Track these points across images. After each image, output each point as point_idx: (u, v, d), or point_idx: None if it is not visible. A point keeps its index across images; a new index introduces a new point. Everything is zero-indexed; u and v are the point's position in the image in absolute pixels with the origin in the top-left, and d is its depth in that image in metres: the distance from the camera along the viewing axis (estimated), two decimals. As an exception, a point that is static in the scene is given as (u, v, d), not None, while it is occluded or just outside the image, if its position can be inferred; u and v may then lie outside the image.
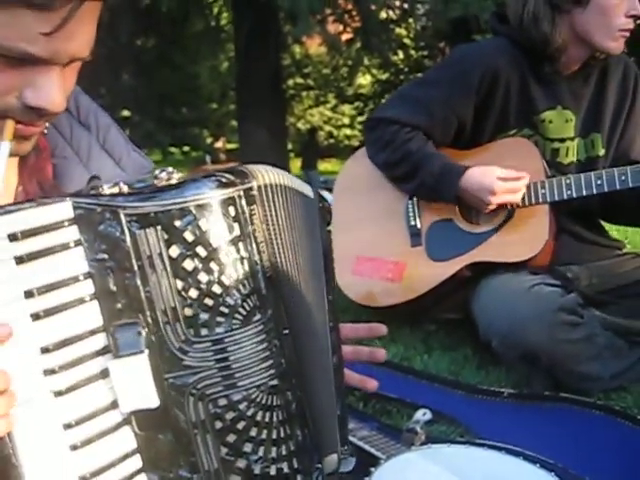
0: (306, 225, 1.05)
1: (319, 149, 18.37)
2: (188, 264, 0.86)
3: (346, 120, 24.05)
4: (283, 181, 1.00)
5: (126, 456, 0.87)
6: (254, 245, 0.91)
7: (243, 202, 0.91)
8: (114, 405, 0.86)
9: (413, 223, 2.71)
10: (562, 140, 2.57)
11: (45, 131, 1.12)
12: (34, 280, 0.83)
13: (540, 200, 2.45)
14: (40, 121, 1.00)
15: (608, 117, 2.61)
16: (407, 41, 18.92)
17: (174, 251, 0.86)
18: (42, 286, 0.83)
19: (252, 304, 0.90)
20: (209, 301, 0.87)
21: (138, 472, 0.87)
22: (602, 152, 2.61)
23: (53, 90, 0.95)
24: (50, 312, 0.83)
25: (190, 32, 15.44)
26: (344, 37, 16.68)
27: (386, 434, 1.69)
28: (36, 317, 0.83)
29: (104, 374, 0.86)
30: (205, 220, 0.87)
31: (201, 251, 0.87)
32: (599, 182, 2.37)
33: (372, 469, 1.25)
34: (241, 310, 0.89)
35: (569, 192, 2.41)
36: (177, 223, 0.86)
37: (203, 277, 0.87)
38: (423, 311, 2.68)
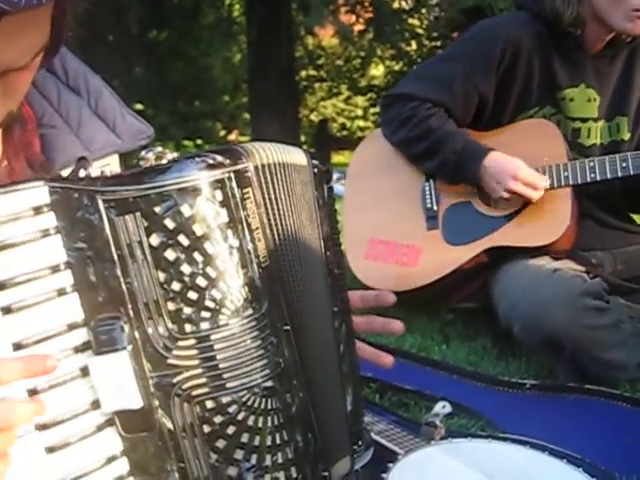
0: (306, 205, 0.96)
1: (332, 141, 18.35)
2: (170, 254, 0.79)
3: (359, 112, 24.04)
4: (282, 158, 0.91)
5: (111, 459, 0.80)
6: (246, 232, 0.83)
7: (234, 184, 0.82)
8: (95, 405, 0.79)
9: (429, 205, 2.64)
10: (584, 120, 2.50)
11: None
12: (4, 271, 0.76)
13: (562, 183, 2.39)
14: None
15: (635, 100, 2.54)
16: (420, 31, 18.85)
17: (154, 240, 0.79)
18: (14, 276, 0.76)
19: (243, 298, 0.82)
20: (193, 294, 0.80)
21: (126, 476, 0.81)
22: (627, 136, 2.54)
23: None
24: (24, 305, 0.76)
25: (202, 24, 15.45)
26: (357, 28, 16.69)
27: (404, 428, 1.63)
28: (7, 311, 0.76)
29: (84, 372, 0.79)
30: (187, 205, 0.79)
31: (183, 240, 0.79)
32: (624, 165, 2.31)
33: (390, 464, 1.19)
34: (229, 305, 0.81)
35: (593, 175, 2.35)
36: (157, 209, 0.78)
37: (186, 268, 0.79)
38: (439, 297, 2.61)
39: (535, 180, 2.36)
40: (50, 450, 0.77)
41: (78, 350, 0.79)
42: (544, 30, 2.45)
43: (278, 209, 0.88)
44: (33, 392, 0.77)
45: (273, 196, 0.88)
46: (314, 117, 23.20)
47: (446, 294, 2.59)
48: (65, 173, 1.05)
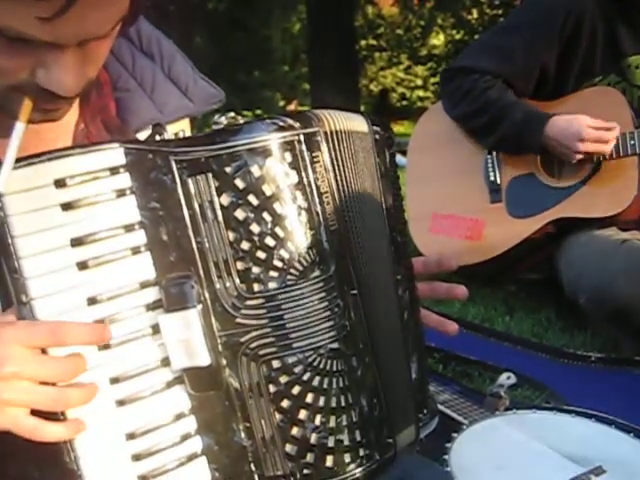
0: (369, 172, 0.95)
1: (392, 111, 18.20)
2: (239, 214, 0.79)
3: (419, 81, 23.80)
4: (348, 125, 0.90)
5: (180, 416, 0.81)
6: (315, 195, 0.83)
7: (303, 147, 0.82)
8: (165, 362, 0.80)
9: (492, 178, 2.61)
10: None
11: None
12: (81, 227, 0.77)
13: (629, 152, 2.35)
14: (59, 103, 0.93)
15: None
16: (482, -1, 18.55)
17: (225, 199, 0.79)
18: (91, 233, 0.77)
19: (310, 259, 0.82)
20: (261, 254, 0.80)
21: (193, 434, 0.82)
22: None
23: (63, 73, 0.87)
24: (99, 262, 0.77)
25: (262, -6, 15.43)
26: (417, -4, 16.50)
27: (468, 398, 1.63)
28: (83, 266, 0.77)
29: (155, 329, 0.80)
30: (257, 166, 0.79)
31: (253, 199, 0.79)
32: None
33: (454, 434, 1.19)
34: (297, 265, 0.81)
35: None
36: (227, 169, 0.79)
37: (255, 228, 0.80)
38: (504, 270, 2.59)
39: (602, 135, 2.32)
40: (120, 403, 0.79)
41: (149, 308, 0.80)
42: None
43: (345, 175, 0.88)
44: (105, 346, 0.78)
45: (341, 162, 0.87)
46: (374, 87, 23.05)
47: (511, 266, 2.56)
48: (140, 135, 1.06)
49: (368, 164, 0.94)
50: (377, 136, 0.97)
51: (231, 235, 0.79)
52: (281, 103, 20.04)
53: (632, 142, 2.32)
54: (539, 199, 2.48)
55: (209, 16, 15.20)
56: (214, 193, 0.79)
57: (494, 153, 2.63)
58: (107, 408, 0.79)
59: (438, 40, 21.76)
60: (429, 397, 1.06)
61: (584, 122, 2.32)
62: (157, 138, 0.83)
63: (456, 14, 17.13)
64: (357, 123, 0.94)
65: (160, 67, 1.16)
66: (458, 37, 19.52)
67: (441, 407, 1.56)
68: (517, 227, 2.51)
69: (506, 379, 1.57)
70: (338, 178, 0.86)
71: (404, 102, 23.22)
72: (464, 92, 2.58)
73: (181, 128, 0.95)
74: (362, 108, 18.05)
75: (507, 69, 2.50)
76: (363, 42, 20.96)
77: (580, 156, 2.35)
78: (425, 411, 1.03)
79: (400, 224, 1.02)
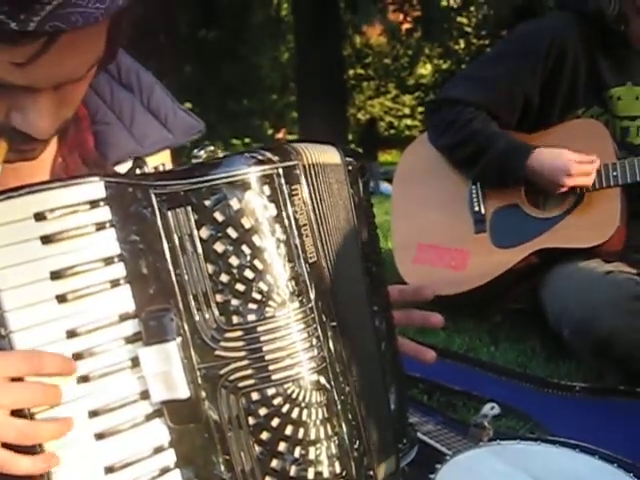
0: (343, 204, 0.96)
1: (379, 140, 18.27)
2: (219, 246, 0.80)
3: (407, 110, 23.96)
4: (323, 158, 0.91)
5: (159, 449, 0.81)
6: (294, 227, 0.84)
7: (282, 180, 0.83)
8: (144, 395, 0.81)
9: (477, 209, 2.62)
10: (632, 118, 2.46)
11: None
12: (61, 260, 0.78)
13: (611, 183, 2.36)
14: (34, 144, 0.93)
15: None
16: (468, 30, 18.72)
17: (204, 232, 0.80)
18: (70, 266, 0.78)
19: (289, 291, 0.82)
20: (240, 286, 0.81)
21: (172, 467, 0.82)
22: None
23: (38, 117, 0.89)
24: (78, 295, 0.78)
25: (251, 23, 15.51)
26: (404, 26, 16.64)
27: (452, 429, 1.61)
28: (62, 299, 0.78)
29: (134, 362, 0.80)
30: (236, 199, 0.80)
31: (232, 232, 0.80)
32: None
33: (438, 465, 1.18)
34: (275, 297, 0.82)
35: None
36: (207, 202, 0.80)
37: (234, 260, 0.80)
38: (488, 301, 2.58)
39: (587, 168, 2.33)
40: (99, 437, 0.79)
41: (129, 340, 0.80)
42: (588, 29, 2.42)
43: (322, 208, 0.89)
44: (84, 379, 0.79)
45: (318, 195, 0.88)
46: (361, 116, 23.17)
47: (495, 296, 2.56)
48: (119, 168, 1.07)
49: (342, 196, 0.95)
50: (350, 167, 0.98)
51: (210, 268, 0.80)
52: (270, 131, 20.11)
53: (614, 173, 2.34)
54: (523, 229, 2.49)
55: (198, 45, 15.25)
56: (193, 226, 0.79)
57: (478, 184, 2.63)
58: (86, 441, 0.79)
59: (425, 70, 21.94)
60: (408, 426, 1.07)
61: (570, 157, 2.33)
62: (137, 172, 0.83)
63: (443, 44, 17.28)
64: (330, 155, 0.94)
65: (139, 99, 1.17)
66: (445, 67, 19.67)
67: (424, 438, 1.55)
68: (501, 257, 2.51)
69: (490, 409, 1.56)
70: (316, 211, 0.87)
71: (392, 131, 23.35)
72: (448, 123, 2.59)
73: (162, 160, 0.96)
74: (350, 137, 18.11)
75: (491, 100, 2.52)
76: (351, 71, 21.12)
77: (564, 189, 2.36)
78: (405, 440, 1.03)
79: (375, 254, 1.03)
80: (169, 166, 1.12)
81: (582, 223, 2.39)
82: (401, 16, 15.97)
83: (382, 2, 14.55)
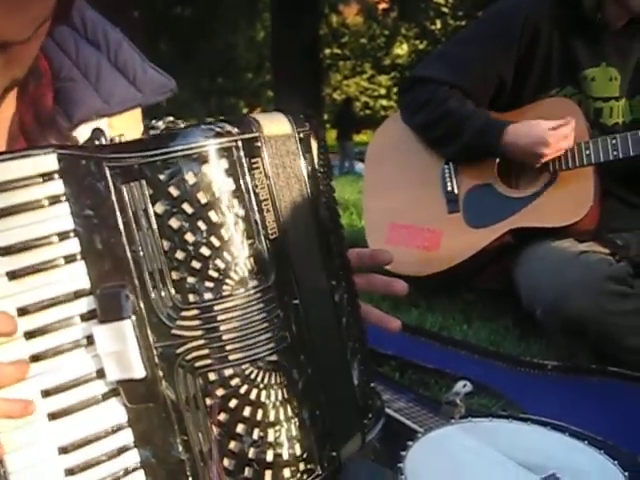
0: (297, 176, 0.91)
1: (355, 120, 18.28)
2: (174, 222, 0.77)
3: (383, 91, 23.96)
4: (278, 130, 0.88)
5: (116, 429, 0.79)
6: (254, 202, 0.81)
7: (241, 153, 0.80)
8: (100, 374, 0.79)
9: (450, 189, 2.62)
10: (606, 100, 2.47)
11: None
12: (11, 236, 0.75)
13: (585, 162, 2.36)
14: None
15: None
16: (445, 10, 18.71)
17: (159, 207, 0.77)
18: (21, 241, 0.75)
19: (248, 269, 0.80)
20: (196, 264, 0.78)
21: (130, 447, 0.80)
22: None
23: None
24: (29, 271, 0.76)
25: (226, 1, 15.43)
26: (381, 6, 16.62)
27: (424, 406, 1.62)
28: (12, 276, 0.75)
29: (89, 340, 0.78)
30: (192, 173, 0.77)
31: (187, 208, 0.77)
32: None
33: (409, 442, 1.18)
34: (233, 275, 0.79)
35: (615, 153, 2.32)
36: (161, 176, 0.76)
37: (190, 237, 0.77)
38: (461, 281, 2.59)
39: (564, 131, 2.34)
40: (53, 416, 0.77)
41: (84, 318, 0.78)
42: (563, 9, 2.42)
43: (279, 181, 0.86)
44: (37, 358, 0.77)
45: (275, 168, 0.85)
46: (337, 95, 23.16)
47: (468, 276, 2.57)
48: (84, 127, 1.03)
49: (295, 167, 0.91)
50: (302, 135, 0.93)
51: (166, 244, 0.77)
52: (245, 110, 20.05)
53: (587, 152, 2.34)
54: (496, 209, 2.49)
55: (174, 22, 15.15)
56: (148, 201, 0.77)
57: (451, 163, 2.63)
58: (39, 421, 0.77)
59: (402, 50, 21.93)
60: (373, 398, 1.03)
61: (544, 126, 2.34)
62: (96, 143, 0.80)
63: (420, 24, 17.28)
64: (282, 125, 0.91)
65: (106, 56, 1.12)
66: (421, 47, 19.67)
67: (396, 415, 1.56)
68: (474, 237, 2.51)
69: (462, 387, 1.56)
70: (277, 185, 0.85)
71: (367, 111, 23.35)
72: (422, 102, 2.58)
73: (132, 120, 0.93)
74: (326, 117, 18.09)
75: (464, 79, 2.51)
76: (327, 51, 21.07)
77: (545, 159, 2.37)
78: (370, 415, 1.01)
79: (333, 224, 0.99)
80: (140, 125, 1.09)
81: (555, 202, 2.40)
82: (378, -5, 15.98)
83: (359, -19, 14.51)
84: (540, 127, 2.34)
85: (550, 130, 2.33)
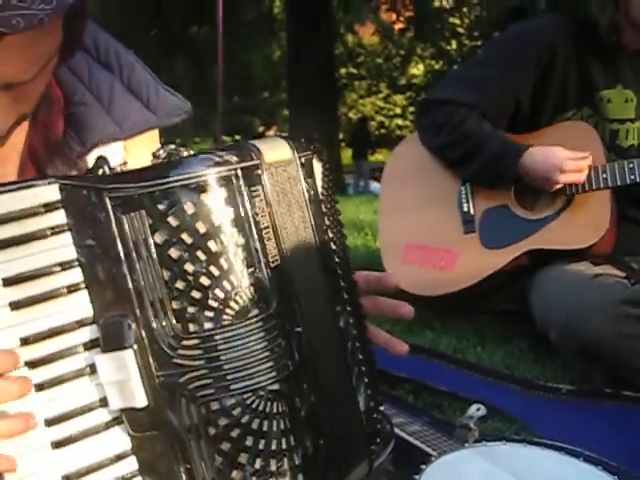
0: (298, 202, 0.91)
1: (370, 139, 18.30)
2: (173, 252, 0.77)
3: (398, 110, 24.00)
4: (278, 156, 0.88)
5: (120, 457, 0.79)
6: (254, 230, 0.80)
7: (241, 182, 0.80)
8: (103, 403, 0.79)
9: (466, 209, 2.61)
10: (622, 121, 2.46)
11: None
12: (14, 267, 0.76)
13: (601, 185, 2.34)
14: None
15: None
16: (461, 30, 18.76)
17: (158, 237, 0.77)
18: (25, 272, 0.76)
19: (248, 298, 0.80)
20: (196, 293, 0.78)
21: (134, 475, 0.80)
22: None
23: None
24: (32, 301, 0.76)
25: (243, 20, 15.51)
26: (397, 26, 16.66)
27: (437, 429, 1.60)
28: (16, 306, 0.76)
29: (92, 369, 0.78)
30: (190, 203, 0.77)
31: (186, 238, 0.77)
32: None
33: (422, 466, 1.18)
34: (233, 304, 0.79)
35: (632, 177, 2.30)
36: (160, 206, 0.76)
37: (189, 267, 0.77)
38: (476, 301, 2.57)
39: (579, 164, 2.33)
40: (56, 445, 0.77)
41: (87, 347, 0.78)
42: (580, 32, 2.42)
43: (280, 208, 0.85)
44: (39, 387, 0.77)
45: (276, 195, 0.85)
46: (353, 115, 23.21)
47: (484, 297, 2.55)
48: (97, 152, 1.02)
49: (296, 192, 0.90)
50: (303, 159, 0.93)
51: (166, 274, 0.77)
52: (260, 129, 20.11)
53: (604, 175, 2.33)
54: (512, 231, 2.48)
55: (190, 41, 15.24)
56: (148, 231, 0.77)
57: (468, 185, 2.63)
58: (43, 450, 0.77)
59: (417, 70, 22.00)
60: (381, 422, 1.02)
61: (563, 154, 2.33)
62: (99, 172, 0.80)
63: (435, 44, 17.34)
64: (283, 150, 0.90)
65: (119, 78, 1.12)
66: (437, 67, 19.73)
67: (410, 438, 1.54)
68: (490, 258, 2.50)
69: (476, 410, 1.55)
70: (278, 212, 0.84)
71: (383, 130, 23.38)
72: (440, 124, 2.58)
73: (149, 142, 0.92)
74: (341, 136, 18.12)
75: (482, 101, 2.51)
76: (343, 70, 21.15)
77: (558, 186, 2.36)
78: (378, 440, 1.00)
79: (338, 248, 0.98)
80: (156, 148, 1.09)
81: (571, 225, 2.39)
82: (394, 16, 16.00)
83: (375, 1, 14.56)
84: (558, 154, 2.34)
85: (568, 159, 2.32)
